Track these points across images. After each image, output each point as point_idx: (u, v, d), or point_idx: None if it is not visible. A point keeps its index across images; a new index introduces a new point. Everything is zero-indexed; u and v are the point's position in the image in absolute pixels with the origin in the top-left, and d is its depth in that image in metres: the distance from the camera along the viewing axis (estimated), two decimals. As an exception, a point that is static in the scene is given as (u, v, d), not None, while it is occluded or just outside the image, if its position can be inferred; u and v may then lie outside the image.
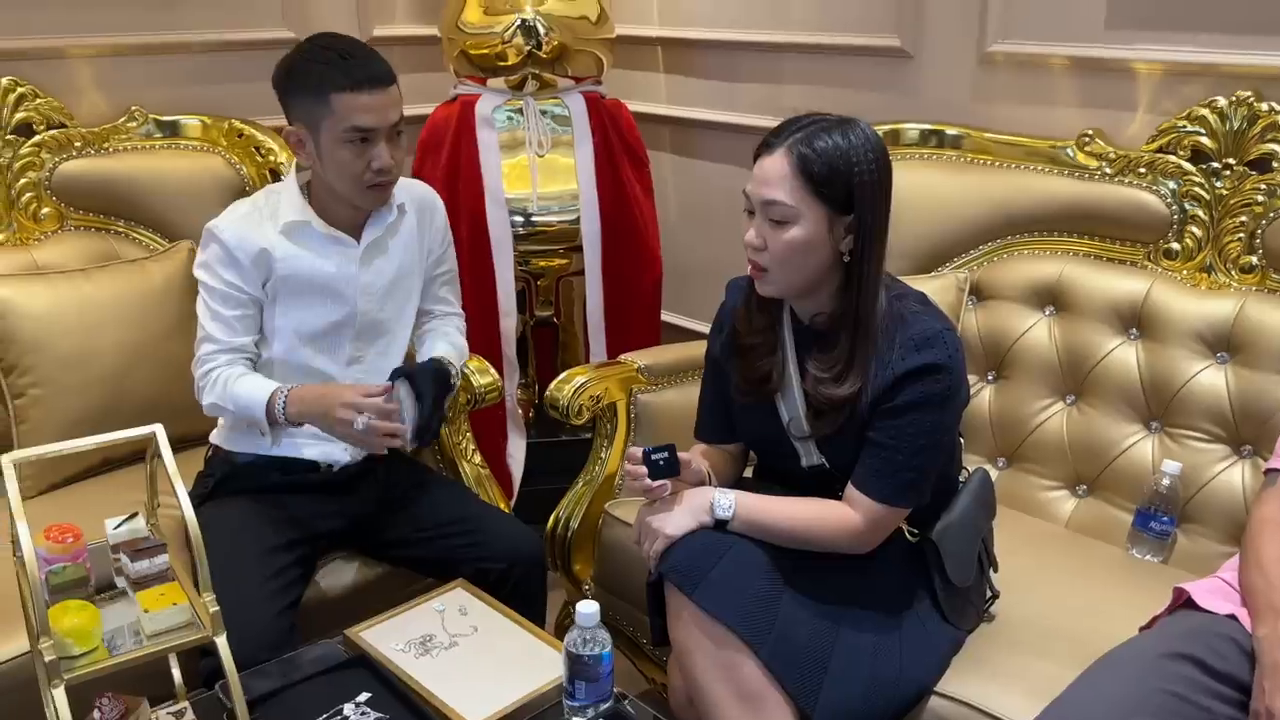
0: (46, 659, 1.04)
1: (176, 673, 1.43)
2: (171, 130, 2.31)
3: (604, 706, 1.38)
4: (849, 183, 1.39)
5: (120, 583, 1.24)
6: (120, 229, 2.24)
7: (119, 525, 1.24)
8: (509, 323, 2.52)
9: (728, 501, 1.46)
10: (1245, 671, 1.28)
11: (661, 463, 1.45)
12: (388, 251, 1.78)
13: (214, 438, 1.82)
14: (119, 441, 1.17)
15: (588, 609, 1.36)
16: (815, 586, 1.47)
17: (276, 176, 2.29)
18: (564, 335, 2.77)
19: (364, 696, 1.43)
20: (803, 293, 1.48)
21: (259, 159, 2.30)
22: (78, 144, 2.22)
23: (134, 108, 2.29)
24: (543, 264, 2.60)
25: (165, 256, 2.16)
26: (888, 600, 1.51)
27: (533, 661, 1.51)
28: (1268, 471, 1.52)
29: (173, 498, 1.61)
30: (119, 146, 2.26)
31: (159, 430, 1.18)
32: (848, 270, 1.44)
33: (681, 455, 1.49)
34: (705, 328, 2.83)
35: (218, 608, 1.13)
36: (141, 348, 2.03)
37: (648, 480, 1.45)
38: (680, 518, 1.46)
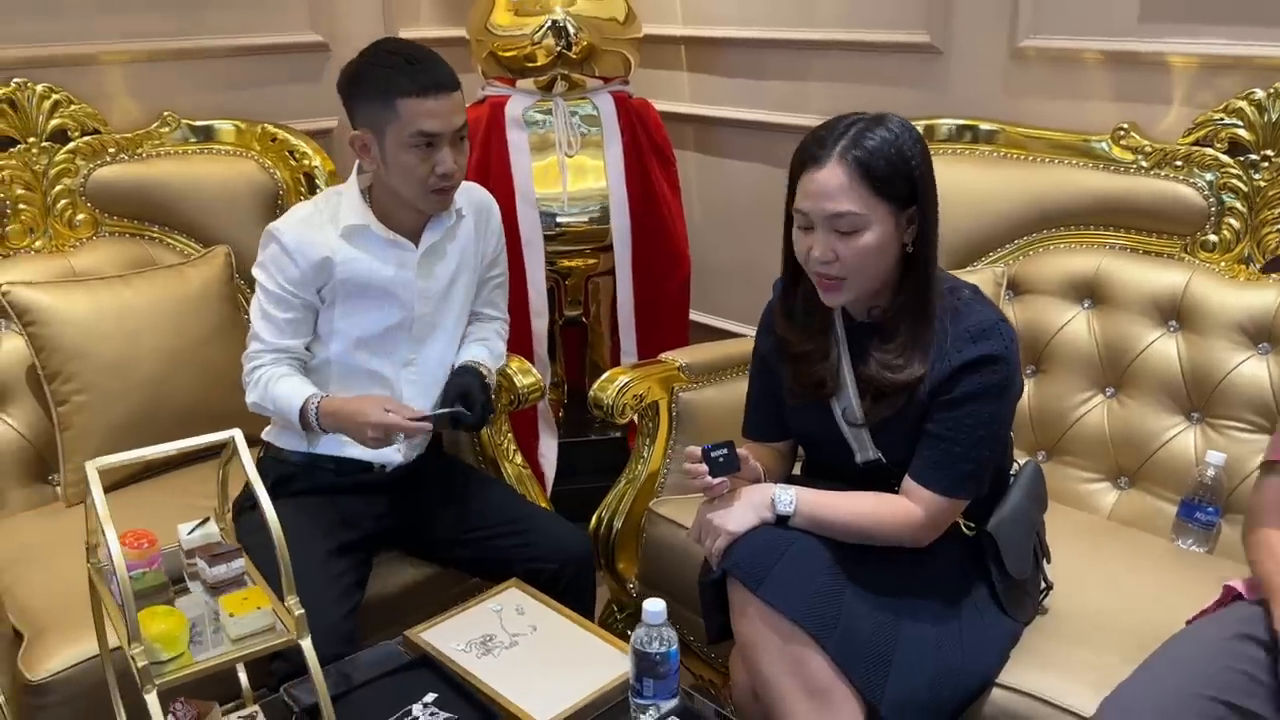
0: (140, 664, 1.04)
1: (243, 676, 1.43)
2: (205, 135, 2.31)
3: (671, 703, 1.39)
4: (910, 175, 1.40)
5: (195, 587, 1.24)
6: (155, 235, 2.24)
7: (192, 531, 1.24)
8: (540, 323, 2.53)
9: (789, 497, 1.47)
10: None
11: (721, 459, 1.46)
12: (445, 256, 1.79)
13: (266, 435, 1.83)
14: (201, 446, 1.17)
15: (655, 607, 1.36)
16: (875, 580, 1.47)
17: (311, 181, 2.29)
18: (591, 335, 2.78)
19: (430, 697, 1.44)
20: (874, 294, 1.49)
21: (293, 163, 2.30)
22: (111, 150, 2.22)
23: (166, 113, 2.29)
24: (570, 264, 2.61)
25: (203, 261, 2.16)
26: (945, 593, 1.52)
27: (594, 659, 1.52)
28: (1266, 464, 1.50)
29: (211, 500, 1.63)
30: (152, 152, 2.26)
31: (238, 434, 1.19)
32: (908, 260, 1.45)
33: (740, 452, 1.49)
34: (732, 326, 2.88)
35: (302, 610, 1.13)
36: (180, 353, 2.03)
37: (708, 478, 1.45)
38: (742, 514, 1.46)
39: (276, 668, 1.51)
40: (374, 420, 1.61)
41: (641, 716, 1.38)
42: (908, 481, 1.48)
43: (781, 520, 1.46)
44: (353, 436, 1.67)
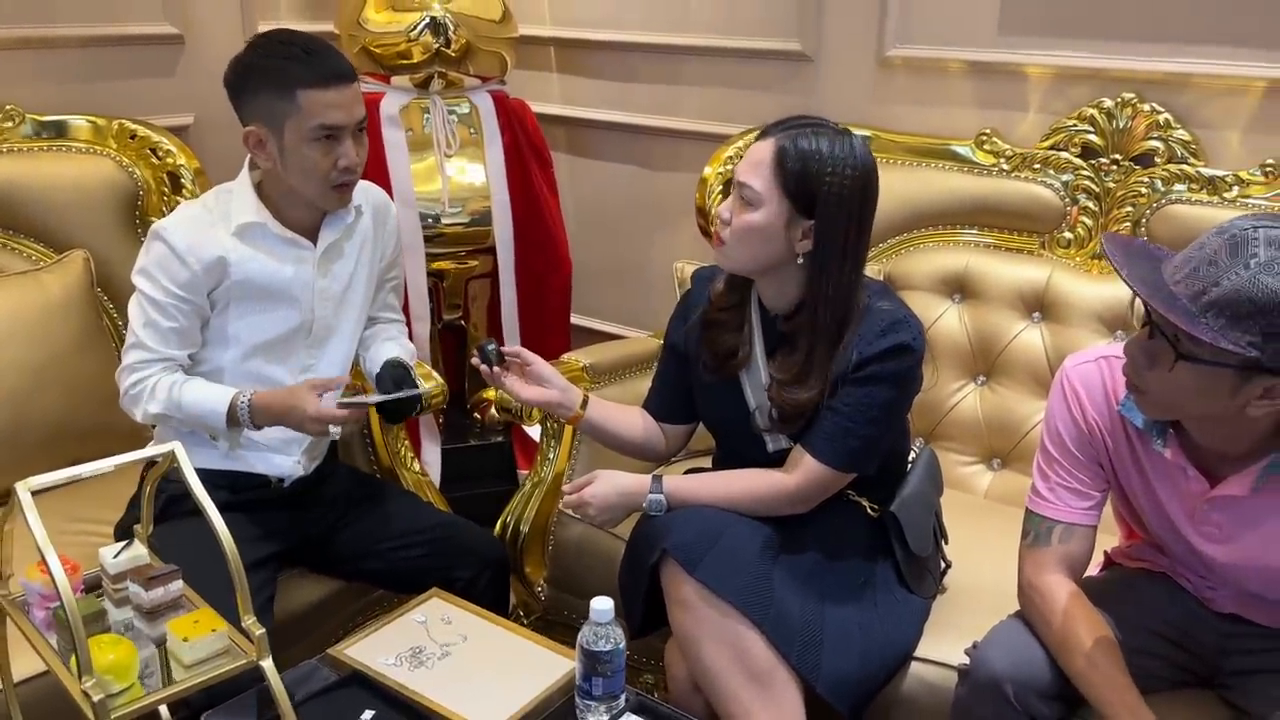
0: (95, 698, 0.96)
1: (164, 709, 1.34)
2: (56, 131, 2.13)
3: (619, 701, 1.39)
4: (812, 188, 1.45)
5: (123, 614, 1.15)
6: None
7: (118, 554, 1.15)
8: (421, 327, 2.47)
9: (659, 500, 1.55)
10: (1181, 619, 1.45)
11: (491, 352, 1.61)
12: (344, 254, 1.72)
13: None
14: (137, 460, 1.09)
15: (602, 605, 1.36)
16: (796, 563, 1.53)
17: (176, 180, 2.15)
18: (470, 339, 2.73)
19: (368, 715, 1.39)
20: (755, 274, 1.55)
21: (155, 161, 2.15)
22: (-53, 147, 2.02)
23: (9, 106, 2.10)
24: (445, 266, 2.56)
25: (59, 267, 2.00)
26: (857, 574, 1.59)
27: (532, 663, 1.50)
28: (1037, 516, 1.47)
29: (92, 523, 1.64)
30: (-5, 149, 2.07)
31: (178, 447, 1.11)
32: (809, 273, 1.51)
33: (508, 350, 1.65)
34: (608, 328, 2.89)
35: (263, 630, 1.08)
36: (46, 367, 1.87)
37: (484, 367, 1.61)
38: (613, 509, 1.58)
39: (194, 697, 1.42)
40: (311, 412, 1.55)
41: (590, 716, 1.38)
42: (796, 449, 1.55)
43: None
44: (292, 427, 1.61)
